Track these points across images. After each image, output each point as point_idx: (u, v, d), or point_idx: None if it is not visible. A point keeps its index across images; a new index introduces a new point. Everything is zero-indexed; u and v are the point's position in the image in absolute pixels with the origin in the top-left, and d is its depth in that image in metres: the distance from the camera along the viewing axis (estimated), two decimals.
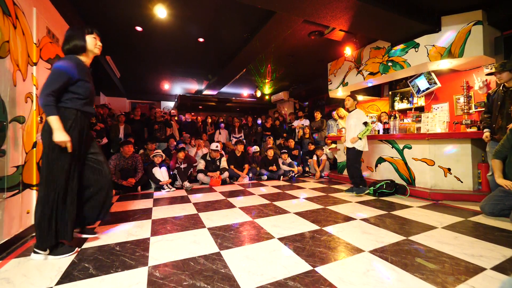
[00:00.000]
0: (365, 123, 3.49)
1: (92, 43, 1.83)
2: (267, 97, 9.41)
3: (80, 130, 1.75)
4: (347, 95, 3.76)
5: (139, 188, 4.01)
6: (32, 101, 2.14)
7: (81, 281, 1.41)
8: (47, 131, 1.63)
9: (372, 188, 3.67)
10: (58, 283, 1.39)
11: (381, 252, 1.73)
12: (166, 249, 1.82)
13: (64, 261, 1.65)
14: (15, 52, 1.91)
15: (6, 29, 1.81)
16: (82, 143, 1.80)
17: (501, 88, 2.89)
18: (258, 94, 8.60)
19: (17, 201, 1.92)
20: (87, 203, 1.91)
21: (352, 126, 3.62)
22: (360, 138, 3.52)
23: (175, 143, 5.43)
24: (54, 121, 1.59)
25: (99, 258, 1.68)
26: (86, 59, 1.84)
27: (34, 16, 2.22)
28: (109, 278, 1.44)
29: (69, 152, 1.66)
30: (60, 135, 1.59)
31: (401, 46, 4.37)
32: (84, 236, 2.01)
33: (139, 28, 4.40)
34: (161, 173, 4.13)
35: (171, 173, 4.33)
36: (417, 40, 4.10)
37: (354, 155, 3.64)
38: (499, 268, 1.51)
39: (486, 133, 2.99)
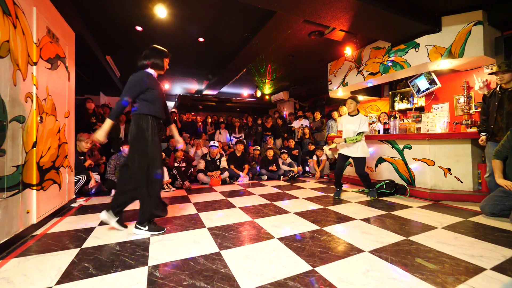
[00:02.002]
0: (362, 133, 3.32)
1: (166, 65, 2.23)
2: (267, 97, 9.41)
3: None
4: (348, 96, 3.52)
5: None
6: (32, 101, 2.14)
7: (81, 280, 1.41)
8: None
9: None
10: (58, 282, 1.39)
11: (381, 252, 1.73)
12: (166, 249, 1.82)
13: (64, 260, 1.65)
14: (15, 52, 1.91)
15: (6, 29, 1.81)
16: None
17: (498, 89, 2.89)
18: (258, 94, 8.60)
19: (17, 201, 1.92)
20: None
21: (351, 132, 3.38)
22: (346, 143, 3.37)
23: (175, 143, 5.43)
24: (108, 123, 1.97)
25: (99, 258, 1.68)
26: (155, 74, 2.19)
27: (34, 16, 2.21)
28: (109, 277, 1.44)
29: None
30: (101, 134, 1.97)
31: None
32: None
33: (139, 28, 4.40)
34: None
35: (171, 173, 4.32)
36: (417, 40, 4.10)
37: (362, 162, 3.39)
38: (499, 269, 1.51)
39: (482, 137, 3.01)
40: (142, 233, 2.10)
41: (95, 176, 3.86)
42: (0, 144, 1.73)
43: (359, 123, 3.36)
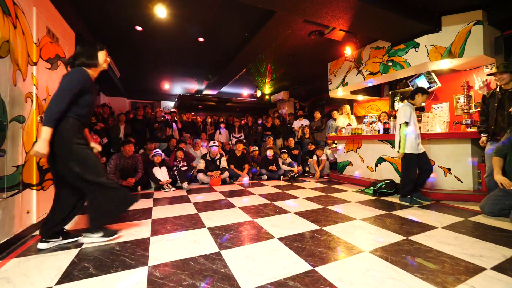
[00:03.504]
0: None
1: (103, 59, 1.94)
2: (267, 97, 9.40)
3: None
4: (418, 89, 3.15)
5: (139, 188, 4.01)
6: (32, 101, 2.14)
7: (81, 280, 1.41)
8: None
9: (372, 188, 3.67)
10: (58, 282, 1.39)
11: (381, 252, 1.73)
12: (166, 249, 1.82)
13: (64, 260, 1.65)
14: (15, 52, 1.91)
15: (6, 29, 1.81)
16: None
17: (497, 89, 2.89)
18: (258, 94, 8.59)
19: (17, 201, 1.92)
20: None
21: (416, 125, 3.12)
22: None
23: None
24: (46, 131, 1.62)
25: (99, 258, 1.68)
26: (93, 73, 1.91)
27: (34, 16, 2.21)
28: (109, 277, 1.44)
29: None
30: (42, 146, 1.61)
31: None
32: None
33: (139, 28, 4.40)
34: (161, 173, 4.13)
35: (171, 173, 4.32)
36: (417, 40, 4.10)
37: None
38: (499, 268, 1.51)
39: (483, 138, 3.01)
40: (94, 239, 1.94)
41: None
42: (0, 144, 1.73)
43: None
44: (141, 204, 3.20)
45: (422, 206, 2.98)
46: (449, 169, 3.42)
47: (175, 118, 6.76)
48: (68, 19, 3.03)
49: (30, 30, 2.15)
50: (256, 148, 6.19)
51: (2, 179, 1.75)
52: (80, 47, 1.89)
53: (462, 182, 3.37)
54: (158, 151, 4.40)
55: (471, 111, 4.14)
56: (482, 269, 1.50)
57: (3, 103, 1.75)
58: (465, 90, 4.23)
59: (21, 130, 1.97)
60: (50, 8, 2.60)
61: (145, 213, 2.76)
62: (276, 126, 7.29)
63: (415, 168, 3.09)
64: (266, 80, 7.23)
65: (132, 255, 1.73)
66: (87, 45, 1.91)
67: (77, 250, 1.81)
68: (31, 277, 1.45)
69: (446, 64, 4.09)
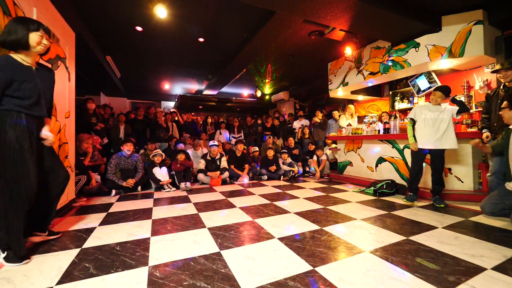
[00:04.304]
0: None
1: (36, 40, 1.64)
2: (267, 97, 9.41)
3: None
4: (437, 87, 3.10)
5: (139, 188, 4.01)
6: None
7: (82, 280, 1.41)
8: None
9: (372, 188, 3.67)
10: (59, 282, 1.39)
11: (381, 252, 1.73)
12: (166, 249, 1.82)
13: (65, 260, 1.65)
14: None
15: None
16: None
17: (501, 87, 2.89)
18: (258, 94, 8.60)
19: None
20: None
21: (446, 121, 3.00)
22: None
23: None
24: None
25: (100, 258, 1.68)
26: (25, 57, 1.67)
27: (34, 16, 2.21)
28: (109, 278, 1.44)
29: None
30: None
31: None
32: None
33: (139, 28, 4.40)
34: (161, 173, 4.14)
35: (171, 173, 4.32)
36: (417, 40, 4.10)
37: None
38: (499, 268, 1.50)
39: (486, 133, 2.96)
40: None
41: (96, 176, 3.86)
42: None
43: (449, 109, 3.06)
44: (142, 204, 3.21)
45: (421, 206, 2.98)
46: (449, 169, 3.42)
47: (175, 118, 6.75)
48: (68, 19, 3.03)
49: None
50: (257, 148, 6.19)
51: None
52: (8, 23, 1.60)
53: (462, 182, 3.37)
54: (159, 151, 4.40)
55: (471, 111, 4.14)
56: (483, 269, 1.50)
57: None
58: (465, 90, 4.23)
59: None
60: (50, 8, 2.60)
61: (145, 213, 2.76)
62: (276, 126, 7.28)
63: (418, 164, 3.10)
64: (266, 80, 7.24)
65: (132, 255, 1.73)
66: (18, 22, 1.61)
67: (78, 250, 1.82)
68: (32, 277, 1.45)
69: (446, 64, 4.09)
